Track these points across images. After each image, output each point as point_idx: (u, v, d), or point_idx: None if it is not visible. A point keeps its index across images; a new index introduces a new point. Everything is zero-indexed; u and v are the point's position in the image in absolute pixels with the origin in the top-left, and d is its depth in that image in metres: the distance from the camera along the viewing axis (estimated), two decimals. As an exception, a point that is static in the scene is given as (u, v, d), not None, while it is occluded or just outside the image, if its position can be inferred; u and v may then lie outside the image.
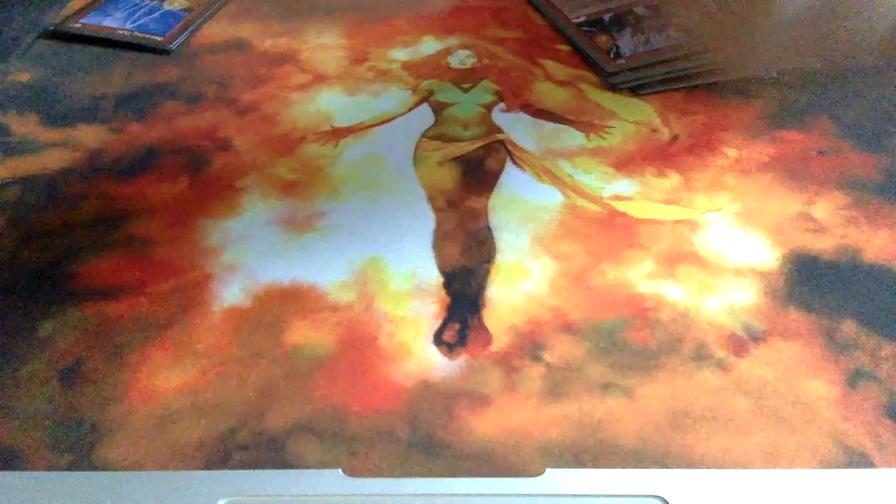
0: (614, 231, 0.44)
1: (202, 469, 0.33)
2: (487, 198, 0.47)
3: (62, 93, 0.57)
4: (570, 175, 0.48)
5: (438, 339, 0.39)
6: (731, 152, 0.50)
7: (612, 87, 0.55)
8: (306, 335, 0.39)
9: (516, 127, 0.53)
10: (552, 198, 0.47)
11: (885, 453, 0.33)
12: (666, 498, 0.31)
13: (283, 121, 0.54)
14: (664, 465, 0.33)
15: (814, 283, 0.41)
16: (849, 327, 0.39)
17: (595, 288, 0.41)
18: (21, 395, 0.36)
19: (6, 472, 0.33)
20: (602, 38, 0.57)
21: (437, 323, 0.39)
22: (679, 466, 0.33)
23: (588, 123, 0.53)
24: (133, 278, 0.42)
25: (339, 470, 0.33)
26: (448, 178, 0.48)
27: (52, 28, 0.63)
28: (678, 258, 0.42)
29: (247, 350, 0.38)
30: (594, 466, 0.33)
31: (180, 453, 0.34)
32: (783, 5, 0.47)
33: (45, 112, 0.55)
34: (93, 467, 0.33)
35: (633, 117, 0.53)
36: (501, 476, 0.33)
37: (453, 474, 0.33)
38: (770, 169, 0.48)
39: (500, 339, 0.39)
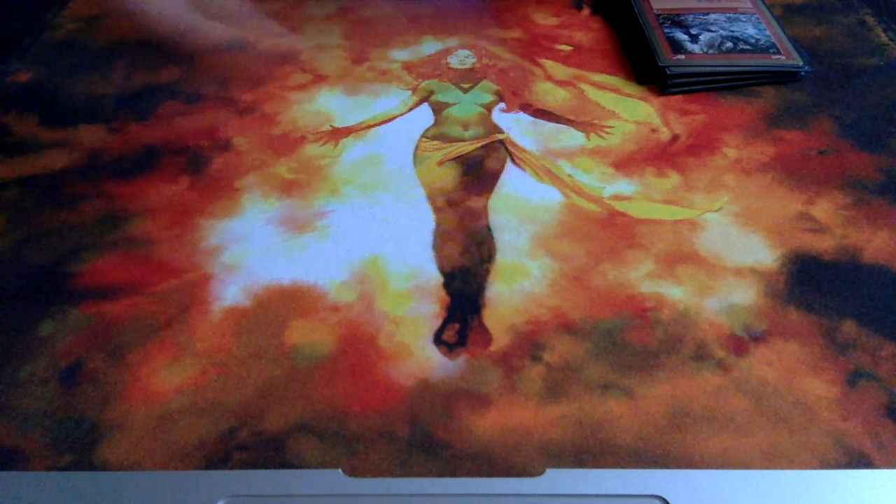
0: (614, 231, 0.44)
1: (202, 469, 0.33)
2: (487, 198, 0.47)
3: (62, 93, 0.57)
4: (570, 175, 0.48)
5: (438, 339, 0.39)
6: (731, 152, 0.50)
7: (645, 83, 0.56)
8: (306, 335, 0.39)
9: (516, 127, 0.52)
10: (552, 198, 0.47)
11: (885, 453, 0.33)
12: (666, 498, 0.31)
13: (283, 121, 0.54)
14: (664, 465, 0.33)
15: (814, 283, 0.41)
16: (849, 327, 0.38)
17: (595, 288, 0.41)
18: (21, 395, 0.36)
19: (6, 472, 0.33)
20: (674, 33, 0.57)
21: (437, 323, 0.39)
22: (679, 466, 0.33)
23: (588, 123, 0.53)
24: (133, 278, 0.42)
25: (339, 470, 0.33)
26: (448, 178, 0.48)
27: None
28: (678, 258, 0.42)
29: (247, 350, 0.38)
30: (594, 466, 0.33)
31: (180, 453, 0.34)
32: None
33: (45, 112, 0.55)
34: (93, 467, 0.33)
35: (633, 117, 0.53)
36: (501, 476, 0.33)
37: (453, 474, 0.33)
38: (770, 169, 0.48)
39: (500, 339, 0.39)
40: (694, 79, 0.55)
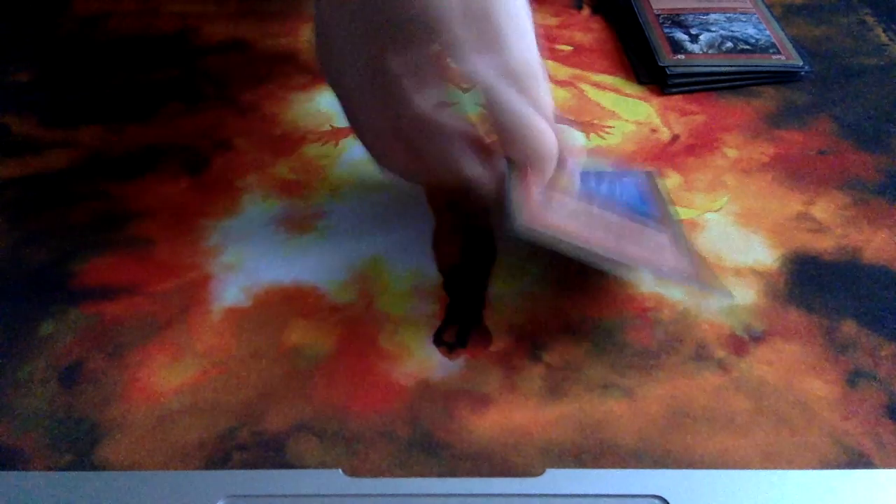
0: (614, 231, 0.44)
1: (202, 469, 0.33)
2: (487, 198, 0.47)
3: (62, 93, 0.57)
4: (570, 175, 0.48)
5: (438, 339, 0.39)
6: (731, 152, 0.50)
7: (645, 83, 0.56)
8: (306, 335, 0.39)
9: (516, 127, 0.52)
10: (552, 198, 0.47)
11: (885, 453, 0.33)
12: (666, 498, 0.31)
13: (283, 121, 0.54)
14: (664, 465, 0.33)
15: (814, 283, 0.41)
16: (849, 327, 0.39)
17: (595, 288, 0.41)
18: (21, 395, 0.36)
19: (6, 472, 0.33)
20: (674, 33, 0.58)
21: (437, 323, 0.39)
22: (679, 466, 0.33)
23: (588, 123, 0.53)
24: (133, 278, 0.42)
25: (339, 470, 0.33)
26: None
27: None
28: (678, 258, 0.42)
29: (247, 350, 0.38)
30: (594, 466, 0.33)
31: (180, 453, 0.34)
32: None
33: (45, 112, 0.55)
34: (93, 467, 0.33)
35: (633, 117, 0.53)
36: (501, 476, 0.33)
37: (453, 474, 0.33)
38: (770, 169, 0.48)
39: (500, 339, 0.39)
40: (694, 79, 0.55)
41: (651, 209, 0.42)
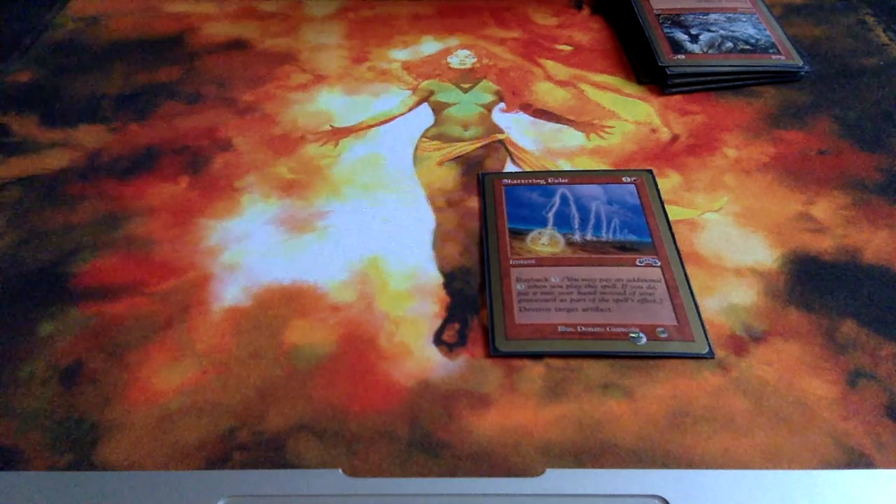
0: (614, 231, 0.44)
1: (202, 469, 0.33)
2: (487, 198, 0.47)
3: (62, 93, 0.57)
4: (570, 175, 0.48)
5: (438, 339, 0.39)
6: (731, 152, 0.50)
7: (645, 83, 0.56)
8: (306, 335, 0.39)
9: (516, 127, 0.52)
10: (552, 198, 0.47)
11: (885, 453, 0.33)
12: (666, 498, 0.31)
13: (283, 121, 0.54)
14: (664, 465, 0.33)
15: (814, 283, 0.41)
16: (849, 327, 0.38)
17: (595, 288, 0.41)
18: (21, 395, 0.36)
19: (6, 472, 0.33)
20: (674, 33, 0.58)
21: (437, 323, 0.39)
22: (679, 466, 0.33)
23: (588, 123, 0.53)
24: (133, 278, 0.42)
25: (339, 470, 0.33)
26: (448, 178, 0.48)
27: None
28: (678, 258, 0.42)
29: (247, 350, 0.38)
30: (594, 466, 0.33)
31: (180, 453, 0.34)
32: None
33: (45, 112, 0.55)
34: (93, 467, 0.33)
35: (633, 117, 0.53)
36: (501, 476, 0.33)
37: (453, 474, 0.33)
38: (770, 169, 0.48)
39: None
40: (694, 79, 0.55)
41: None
